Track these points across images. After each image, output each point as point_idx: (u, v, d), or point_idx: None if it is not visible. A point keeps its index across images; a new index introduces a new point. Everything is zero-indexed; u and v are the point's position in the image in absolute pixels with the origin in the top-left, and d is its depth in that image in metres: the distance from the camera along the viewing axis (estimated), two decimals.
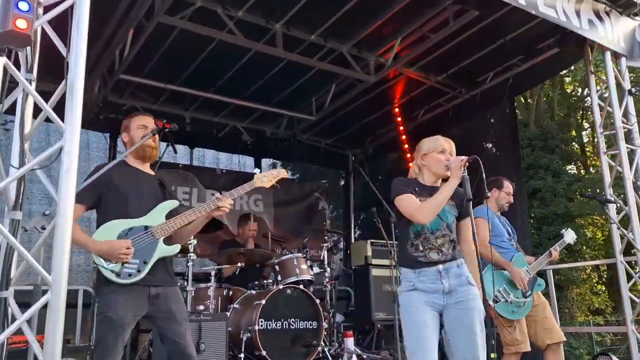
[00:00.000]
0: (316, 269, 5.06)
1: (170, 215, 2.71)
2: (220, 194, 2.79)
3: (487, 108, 6.28)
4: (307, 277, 4.81)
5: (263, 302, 4.27)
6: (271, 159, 7.89)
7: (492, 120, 6.24)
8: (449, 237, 2.64)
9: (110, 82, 5.45)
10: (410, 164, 2.95)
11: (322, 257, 5.26)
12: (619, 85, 4.78)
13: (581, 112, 16.34)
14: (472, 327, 2.48)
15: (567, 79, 16.90)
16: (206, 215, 2.74)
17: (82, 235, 2.51)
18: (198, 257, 5.03)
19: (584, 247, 12.86)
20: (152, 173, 2.87)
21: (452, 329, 2.54)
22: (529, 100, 15.35)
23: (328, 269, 5.22)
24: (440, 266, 2.57)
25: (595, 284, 14.81)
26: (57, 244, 1.89)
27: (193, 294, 4.54)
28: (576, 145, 16.09)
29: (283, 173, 2.95)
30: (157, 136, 2.81)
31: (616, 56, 4.78)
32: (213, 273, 4.65)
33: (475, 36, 5.19)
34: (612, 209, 4.43)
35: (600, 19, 4.52)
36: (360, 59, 5.63)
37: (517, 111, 14.34)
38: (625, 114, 4.69)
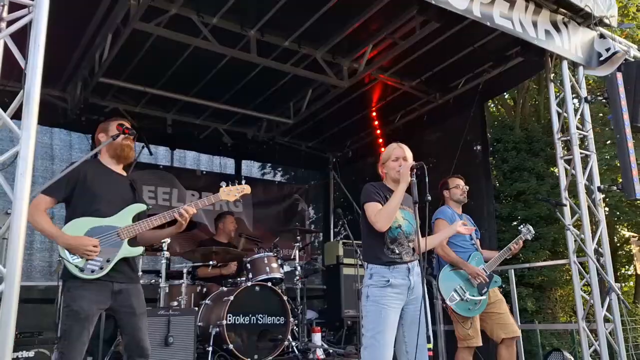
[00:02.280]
0: (287, 268, 5.25)
1: (137, 217, 2.88)
2: (184, 204, 2.97)
3: (460, 112, 6.43)
4: (277, 275, 5.02)
5: (231, 298, 4.45)
6: (252, 161, 8.03)
7: (465, 125, 6.39)
8: (415, 240, 2.92)
9: (90, 85, 5.62)
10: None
11: (292, 256, 5.46)
12: (576, 94, 4.97)
13: None
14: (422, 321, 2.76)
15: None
16: (177, 226, 2.90)
17: (52, 226, 2.68)
18: (172, 255, 5.21)
19: (565, 250, 13.01)
20: (124, 174, 3.04)
21: (409, 322, 2.83)
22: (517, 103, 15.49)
23: (299, 268, 5.42)
24: (409, 264, 2.88)
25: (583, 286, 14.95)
26: (12, 240, 2.07)
27: (167, 291, 4.73)
28: None
29: (247, 189, 3.11)
30: (133, 138, 2.98)
31: (574, 65, 4.96)
32: (185, 270, 4.83)
33: (444, 44, 5.33)
34: (566, 212, 4.63)
35: (557, 29, 4.69)
36: (334, 64, 5.77)
37: (504, 114, 14.57)
38: (582, 121, 4.87)
